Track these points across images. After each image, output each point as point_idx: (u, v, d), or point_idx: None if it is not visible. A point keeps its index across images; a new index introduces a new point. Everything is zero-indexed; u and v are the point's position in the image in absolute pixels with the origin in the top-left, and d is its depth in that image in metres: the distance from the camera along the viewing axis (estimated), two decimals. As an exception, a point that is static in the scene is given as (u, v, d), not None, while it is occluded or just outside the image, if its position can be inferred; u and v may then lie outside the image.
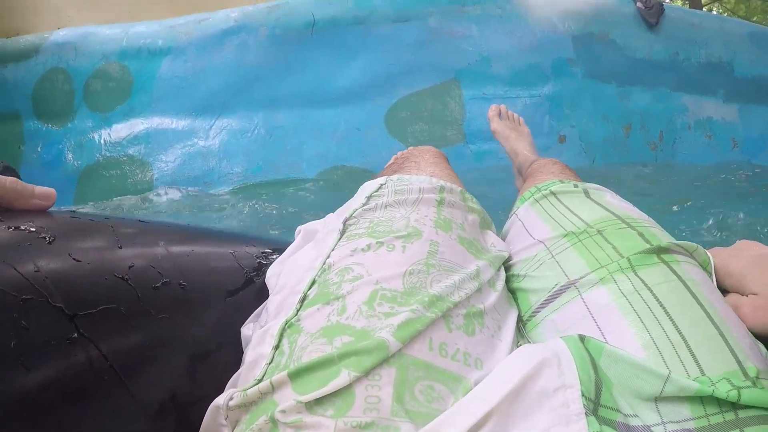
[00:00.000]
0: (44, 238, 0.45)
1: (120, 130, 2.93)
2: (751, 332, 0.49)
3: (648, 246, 0.54)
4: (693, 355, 0.43)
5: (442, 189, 0.64)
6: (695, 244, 0.56)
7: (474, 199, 0.69)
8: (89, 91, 3.04)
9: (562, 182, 0.74)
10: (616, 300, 0.50)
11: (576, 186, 0.71)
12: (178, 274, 0.51)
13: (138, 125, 2.93)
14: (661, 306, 0.47)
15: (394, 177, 0.66)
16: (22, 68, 3.13)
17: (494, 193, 1.72)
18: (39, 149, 2.98)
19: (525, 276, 0.61)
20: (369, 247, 0.53)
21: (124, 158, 2.89)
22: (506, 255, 0.64)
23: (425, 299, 0.47)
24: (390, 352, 0.41)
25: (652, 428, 0.39)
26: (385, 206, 0.60)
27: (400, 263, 0.50)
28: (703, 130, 3.38)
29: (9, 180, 0.48)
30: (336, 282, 0.49)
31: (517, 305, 0.60)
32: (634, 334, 0.46)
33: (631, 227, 0.59)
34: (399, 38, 3.00)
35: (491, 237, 0.66)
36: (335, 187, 2.67)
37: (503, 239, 0.73)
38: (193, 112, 2.93)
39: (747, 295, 0.52)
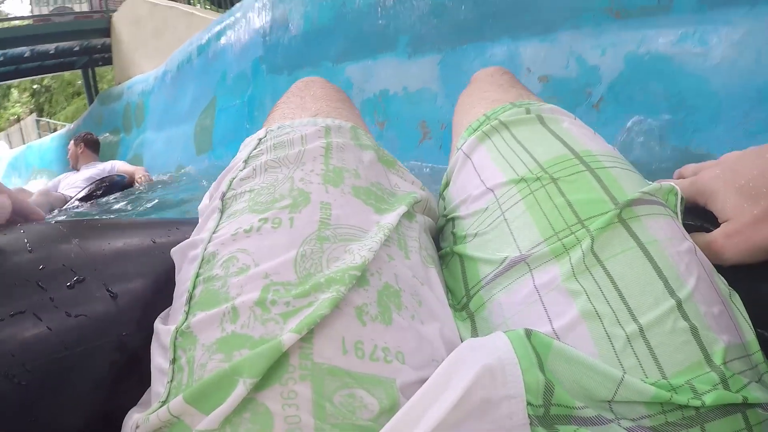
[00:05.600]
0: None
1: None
2: (728, 264, 0.45)
3: (606, 198, 0.46)
4: (650, 348, 0.38)
5: (327, 130, 0.55)
6: (658, 184, 0.49)
7: (368, 135, 0.59)
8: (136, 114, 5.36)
9: (514, 106, 0.60)
10: (565, 281, 0.43)
11: (528, 111, 0.59)
12: (93, 269, 0.48)
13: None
14: (616, 288, 0.41)
15: (275, 126, 0.57)
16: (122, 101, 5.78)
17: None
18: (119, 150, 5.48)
19: (475, 235, 0.53)
20: (252, 227, 0.45)
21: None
22: (417, 195, 0.55)
23: (323, 286, 0.40)
24: (284, 347, 0.36)
25: (605, 419, 0.36)
26: (266, 169, 0.51)
27: (289, 244, 0.43)
28: (372, 115, 2.50)
29: None
30: (221, 277, 0.42)
31: (464, 275, 0.52)
32: (585, 325, 0.41)
33: (590, 169, 0.49)
34: (195, 68, 4.04)
35: (394, 178, 0.57)
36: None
37: (449, 180, 0.62)
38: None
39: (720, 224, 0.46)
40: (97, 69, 9.09)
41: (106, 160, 3.99)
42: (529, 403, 0.35)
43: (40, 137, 11.91)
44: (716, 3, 1.41)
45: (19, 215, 0.56)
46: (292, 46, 2.81)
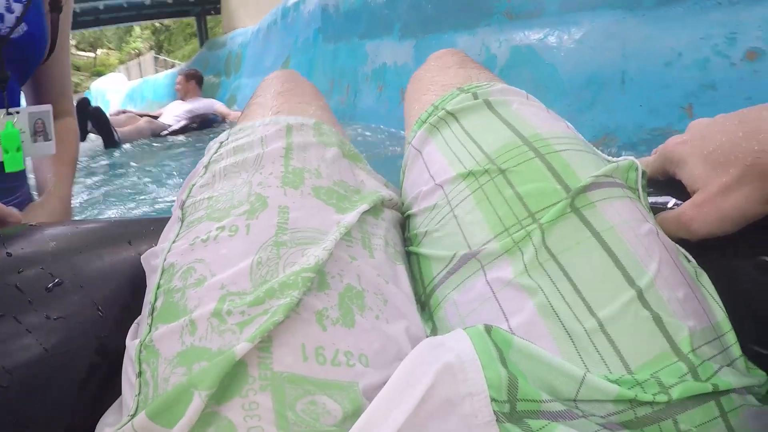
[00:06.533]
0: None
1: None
2: (697, 237, 0.44)
3: (558, 187, 0.45)
4: (612, 342, 0.37)
5: (289, 129, 0.54)
6: (615, 164, 0.47)
7: (333, 130, 0.58)
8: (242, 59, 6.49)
9: (461, 91, 0.59)
10: (519, 277, 0.42)
11: (476, 96, 0.57)
12: (71, 272, 0.49)
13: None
14: (571, 282, 0.40)
15: (236, 128, 0.57)
16: (225, 49, 6.89)
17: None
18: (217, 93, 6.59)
19: (426, 234, 0.52)
20: (209, 236, 0.44)
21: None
22: (383, 193, 0.54)
23: (276, 292, 0.39)
24: (236, 356, 0.35)
25: (575, 414, 0.34)
26: (225, 174, 0.51)
27: (245, 252, 0.42)
28: (376, 81, 3.35)
29: None
30: (179, 289, 0.42)
31: (420, 274, 0.52)
32: (542, 322, 0.40)
33: (540, 155, 0.48)
34: (279, 29, 5.04)
35: (360, 174, 0.57)
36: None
37: (403, 176, 0.61)
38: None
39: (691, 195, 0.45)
40: (208, 18, 10.43)
41: (207, 98, 5.23)
42: (493, 399, 0.33)
43: (156, 73, 13.44)
44: (571, 8, 1.94)
45: None
46: (338, 22, 3.85)
